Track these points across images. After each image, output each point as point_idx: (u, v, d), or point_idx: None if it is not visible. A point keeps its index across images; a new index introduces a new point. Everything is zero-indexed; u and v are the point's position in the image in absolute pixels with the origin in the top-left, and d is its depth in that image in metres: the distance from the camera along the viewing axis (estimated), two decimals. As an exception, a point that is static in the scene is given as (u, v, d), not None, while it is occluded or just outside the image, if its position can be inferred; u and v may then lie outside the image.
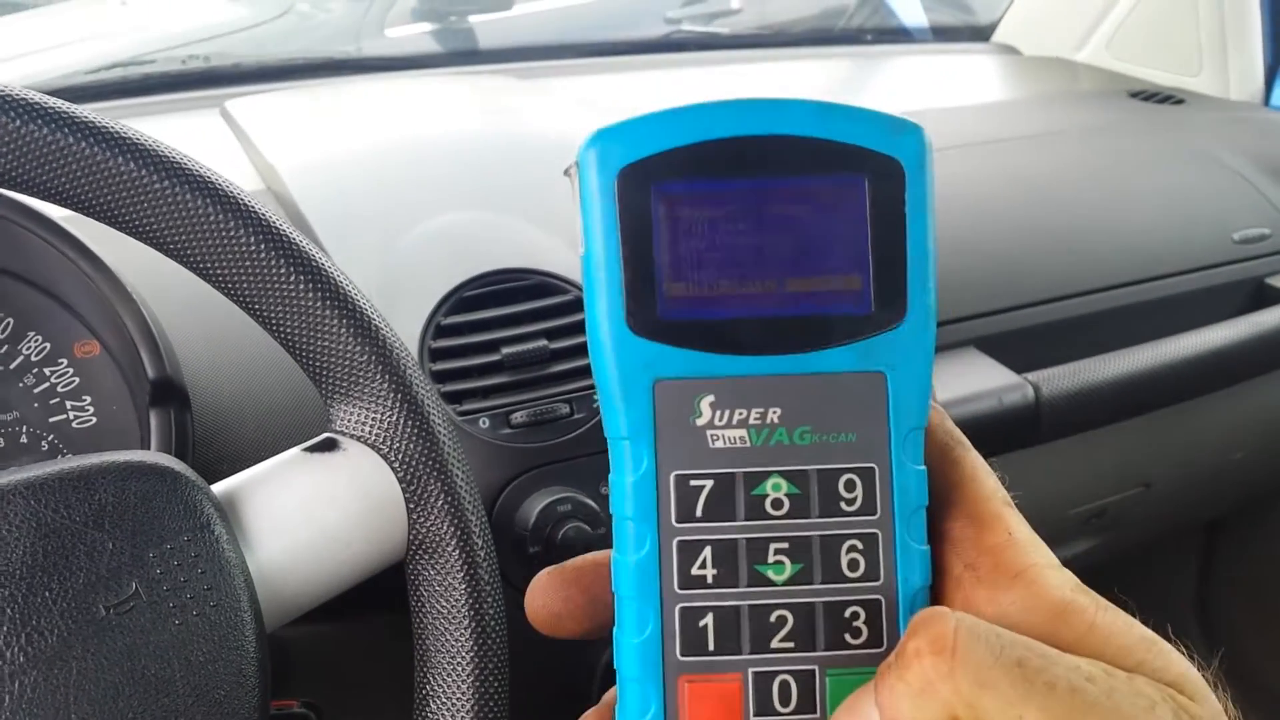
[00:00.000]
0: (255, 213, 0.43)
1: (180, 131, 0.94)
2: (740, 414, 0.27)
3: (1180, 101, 1.28)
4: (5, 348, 0.60)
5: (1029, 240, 0.97)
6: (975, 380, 0.84)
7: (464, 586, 0.46)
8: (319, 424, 0.47)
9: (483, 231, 0.74)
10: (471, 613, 0.45)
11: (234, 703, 0.39)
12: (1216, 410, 1.02)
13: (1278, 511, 1.28)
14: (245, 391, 0.64)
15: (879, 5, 1.69)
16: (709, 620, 0.27)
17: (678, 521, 0.27)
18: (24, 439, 0.59)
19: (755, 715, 0.27)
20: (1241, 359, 0.97)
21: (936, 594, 0.28)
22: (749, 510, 0.27)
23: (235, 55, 1.23)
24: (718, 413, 0.27)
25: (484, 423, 0.64)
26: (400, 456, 0.45)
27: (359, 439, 0.46)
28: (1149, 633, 0.26)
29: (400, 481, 0.45)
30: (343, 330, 0.45)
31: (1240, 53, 1.38)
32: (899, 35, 1.67)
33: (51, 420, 0.59)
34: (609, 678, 0.29)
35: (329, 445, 0.46)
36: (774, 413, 0.27)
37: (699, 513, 0.27)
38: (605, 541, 0.29)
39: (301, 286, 0.44)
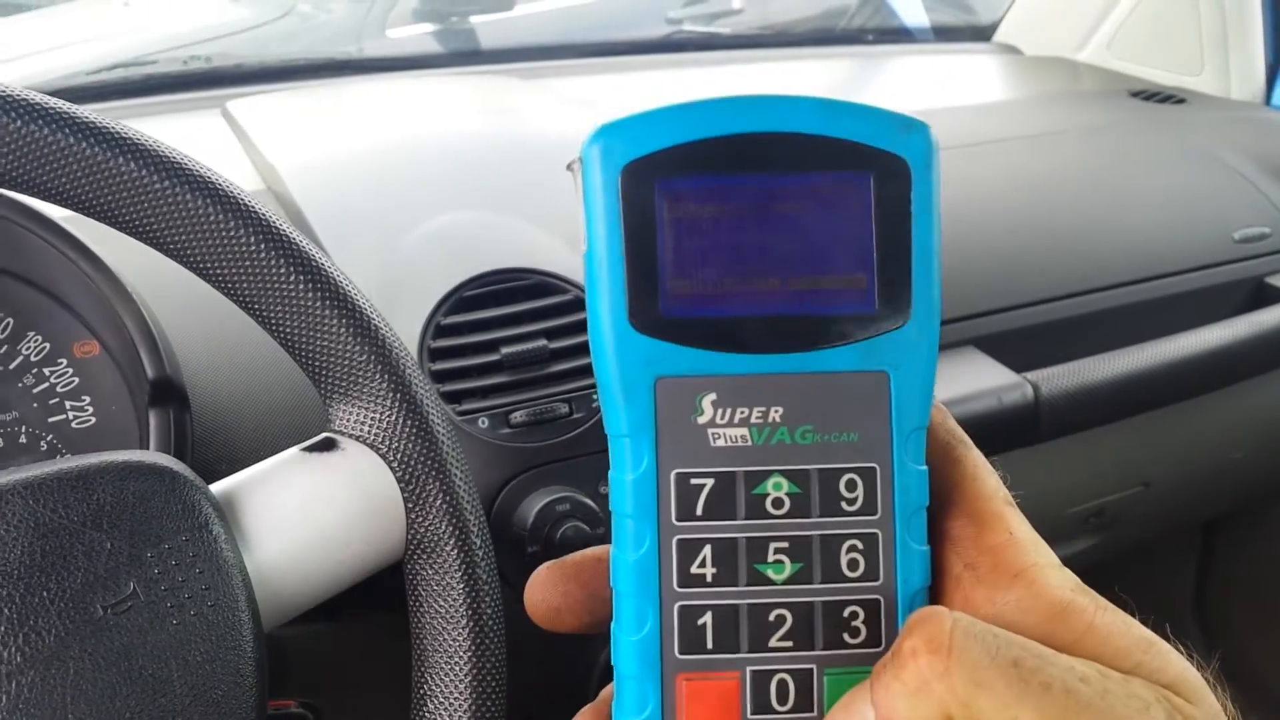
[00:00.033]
0: (255, 213, 0.43)
1: (181, 132, 0.95)
2: (742, 412, 0.27)
3: (1181, 101, 1.28)
4: (5, 348, 0.60)
5: (1029, 240, 0.97)
6: (974, 379, 0.84)
7: (462, 586, 0.46)
8: (318, 424, 0.47)
9: (482, 231, 0.74)
10: (469, 612, 0.45)
11: (231, 702, 0.39)
12: (1216, 410, 1.02)
13: (1276, 511, 1.28)
14: (244, 391, 0.64)
15: (880, 5, 1.69)
16: (708, 619, 0.27)
17: (678, 520, 0.27)
18: (23, 439, 0.59)
19: (753, 713, 0.27)
20: (1241, 358, 0.97)
21: (936, 593, 0.28)
22: (749, 509, 0.27)
23: (237, 56, 1.23)
24: (719, 411, 0.27)
25: (483, 422, 0.64)
26: (399, 456, 0.45)
27: (358, 439, 0.46)
28: (1148, 634, 0.26)
29: (399, 481, 0.45)
30: (342, 330, 0.45)
31: (1241, 52, 1.38)
32: (900, 35, 1.67)
33: (50, 420, 0.59)
34: (607, 676, 0.29)
35: (328, 445, 0.46)
36: (776, 412, 0.27)
37: (699, 511, 0.27)
38: (604, 541, 0.29)
39: (301, 286, 0.44)
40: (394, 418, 0.45)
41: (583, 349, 0.67)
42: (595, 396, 0.65)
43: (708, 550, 0.27)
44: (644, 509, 0.27)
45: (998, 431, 0.84)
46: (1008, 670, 0.23)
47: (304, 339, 0.45)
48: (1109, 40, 1.48)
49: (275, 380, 0.64)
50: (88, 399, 0.60)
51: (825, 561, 0.27)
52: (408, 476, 0.45)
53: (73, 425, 0.59)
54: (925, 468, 0.27)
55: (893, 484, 0.27)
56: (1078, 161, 1.10)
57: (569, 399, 0.65)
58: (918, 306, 0.27)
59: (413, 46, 1.50)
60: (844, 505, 0.27)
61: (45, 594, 0.36)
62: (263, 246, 0.43)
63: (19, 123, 0.40)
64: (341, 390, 0.46)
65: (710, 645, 0.27)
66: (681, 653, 0.27)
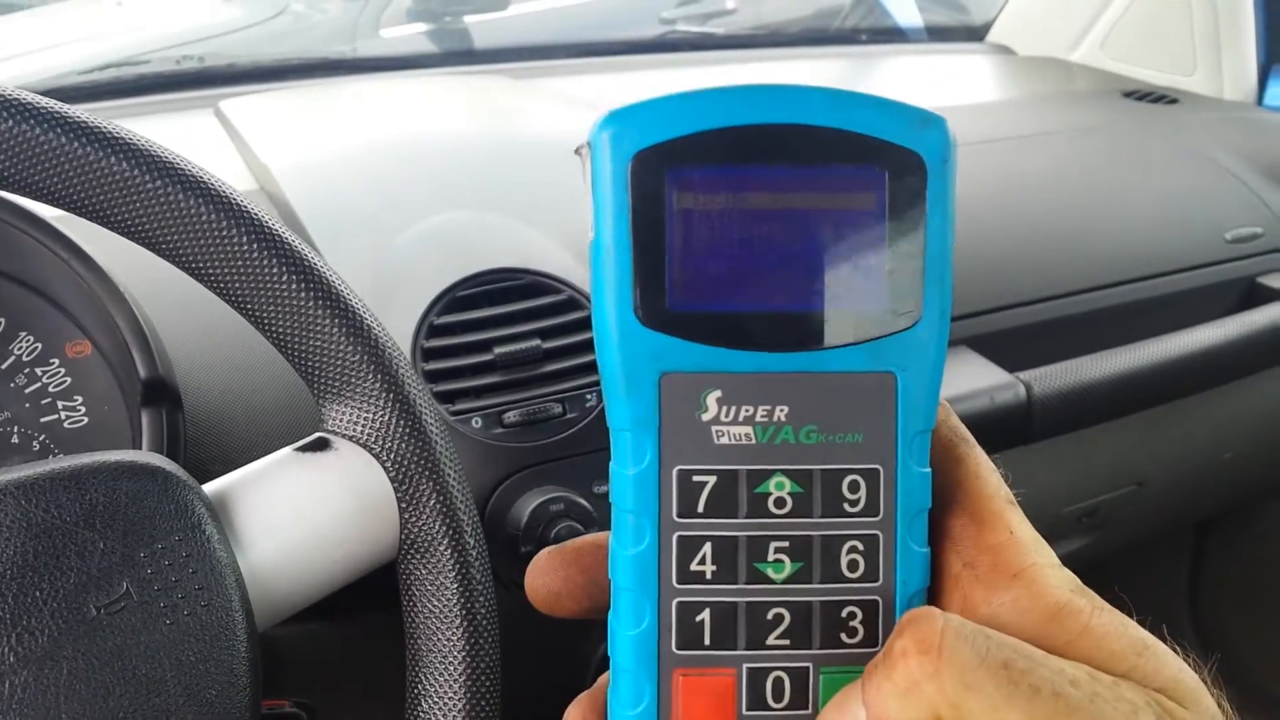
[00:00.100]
0: (248, 212, 0.43)
1: (174, 132, 0.94)
2: (747, 411, 0.26)
3: (1174, 101, 1.28)
4: (-3, 347, 0.60)
5: (1022, 239, 0.97)
6: (967, 379, 0.85)
7: (456, 586, 0.46)
8: (311, 423, 0.47)
9: (476, 231, 0.74)
10: (463, 612, 0.45)
11: (225, 702, 0.39)
12: (1208, 409, 1.02)
13: (1268, 512, 1.29)
14: (237, 391, 0.64)
15: (874, 5, 1.69)
16: (706, 615, 0.27)
17: (679, 516, 0.27)
18: (15, 439, 0.58)
19: (748, 710, 0.27)
20: (1233, 358, 0.97)
21: (935, 591, 0.28)
22: (751, 508, 0.27)
23: (230, 55, 1.23)
24: (724, 408, 0.26)
25: (477, 422, 0.64)
26: (392, 456, 0.45)
27: (351, 438, 0.46)
28: (1144, 636, 0.26)
29: (392, 481, 0.45)
30: (335, 330, 0.45)
31: (1234, 52, 1.38)
32: (894, 35, 1.67)
33: (43, 420, 0.59)
34: (604, 669, 0.29)
35: (321, 445, 0.46)
36: (781, 410, 0.26)
37: (700, 508, 0.27)
38: (599, 539, 0.29)
39: (294, 286, 0.44)
40: (387, 417, 0.45)
41: (576, 349, 0.67)
42: (589, 396, 0.65)
43: (708, 547, 0.27)
44: (645, 505, 0.27)
45: (990, 431, 0.84)
46: (997, 672, 0.23)
47: (297, 339, 0.45)
48: (1102, 40, 1.48)
49: (268, 380, 0.64)
50: (80, 399, 0.60)
51: (825, 562, 0.27)
52: (401, 476, 0.45)
53: (65, 425, 0.59)
54: (929, 470, 0.27)
55: (896, 486, 0.27)
56: (1070, 161, 1.10)
57: (562, 399, 0.65)
58: (929, 307, 0.26)
59: (406, 46, 1.49)
60: (846, 506, 0.27)
61: (38, 594, 0.36)
62: (255, 246, 0.43)
63: (10, 122, 0.39)
64: (334, 390, 0.46)
65: (708, 642, 0.27)
66: (679, 648, 0.27)
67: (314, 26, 1.52)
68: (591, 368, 0.66)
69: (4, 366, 0.59)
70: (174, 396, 0.57)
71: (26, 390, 0.59)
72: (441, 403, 0.64)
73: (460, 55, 1.40)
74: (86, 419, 0.60)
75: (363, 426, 0.45)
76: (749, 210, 0.26)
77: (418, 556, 0.46)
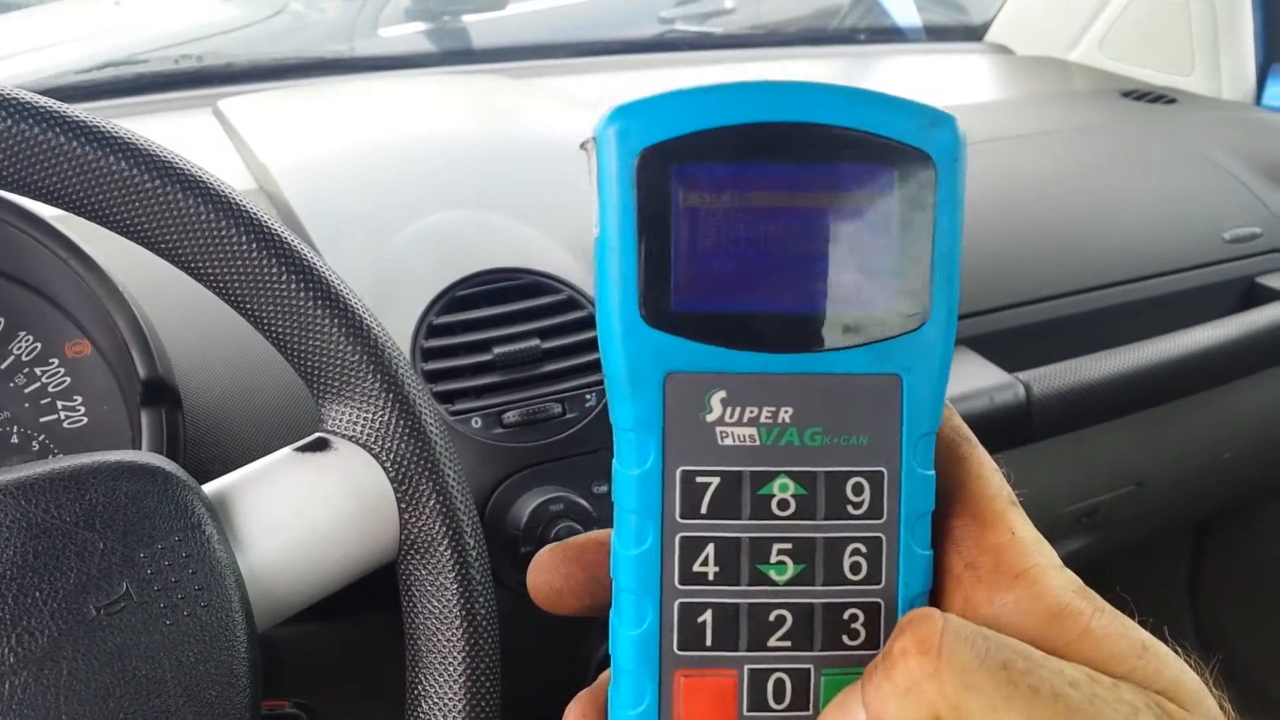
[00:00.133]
0: (247, 212, 0.43)
1: (173, 131, 0.94)
2: (751, 412, 0.26)
3: (1172, 101, 1.28)
4: (-5, 347, 0.60)
5: (1021, 239, 0.97)
6: (966, 379, 0.85)
7: (456, 586, 0.45)
8: (310, 424, 0.47)
9: (475, 231, 0.74)
10: (463, 612, 0.45)
11: (225, 703, 0.39)
12: (1208, 409, 1.02)
13: (1267, 512, 1.29)
14: (237, 391, 0.64)
15: (872, 5, 1.69)
16: (708, 616, 0.27)
17: (682, 517, 0.26)
18: (14, 439, 0.58)
19: (749, 711, 0.27)
20: (1232, 358, 0.97)
21: (937, 592, 0.28)
22: (754, 509, 0.26)
23: (228, 55, 1.23)
24: (729, 409, 0.26)
25: (476, 422, 0.64)
26: (392, 456, 0.45)
27: (350, 438, 0.46)
28: (1144, 638, 0.26)
29: (392, 481, 0.45)
30: (334, 330, 0.45)
31: (1232, 52, 1.38)
32: (892, 35, 1.67)
33: (42, 420, 0.59)
34: (605, 668, 0.29)
35: (320, 445, 0.46)
36: (785, 412, 0.26)
37: (704, 509, 0.26)
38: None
39: (293, 286, 0.44)
40: (386, 417, 0.45)
41: (575, 349, 0.67)
42: (588, 396, 0.65)
43: (710, 549, 0.27)
44: (648, 505, 0.26)
45: (990, 431, 0.84)
46: (997, 673, 0.23)
47: (296, 338, 0.45)
48: (1100, 40, 1.48)
49: (267, 380, 0.64)
50: (79, 399, 0.60)
51: (828, 564, 0.27)
52: (401, 476, 0.45)
53: (64, 425, 0.59)
54: (933, 473, 0.27)
55: (900, 488, 0.27)
56: (1069, 161, 1.10)
57: (562, 399, 0.65)
58: (936, 309, 0.26)
59: (405, 45, 1.49)
60: (850, 509, 0.27)
61: (38, 595, 0.36)
62: (254, 246, 0.43)
63: (9, 122, 0.39)
64: (334, 390, 0.46)
65: (709, 643, 0.27)
66: (680, 649, 0.27)
67: (312, 26, 1.52)
68: (591, 368, 0.66)
69: (3, 366, 0.59)
70: (173, 396, 0.57)
71: (26, 390, 0.59)
72: (441, 403, 0.64)
73: (458, 54, 1.40)
74: (86, 419, 0.59)
75: (362, 426, 0.45)
76: (756, 209, 0.25)
77: (417, 557, 0.46)
